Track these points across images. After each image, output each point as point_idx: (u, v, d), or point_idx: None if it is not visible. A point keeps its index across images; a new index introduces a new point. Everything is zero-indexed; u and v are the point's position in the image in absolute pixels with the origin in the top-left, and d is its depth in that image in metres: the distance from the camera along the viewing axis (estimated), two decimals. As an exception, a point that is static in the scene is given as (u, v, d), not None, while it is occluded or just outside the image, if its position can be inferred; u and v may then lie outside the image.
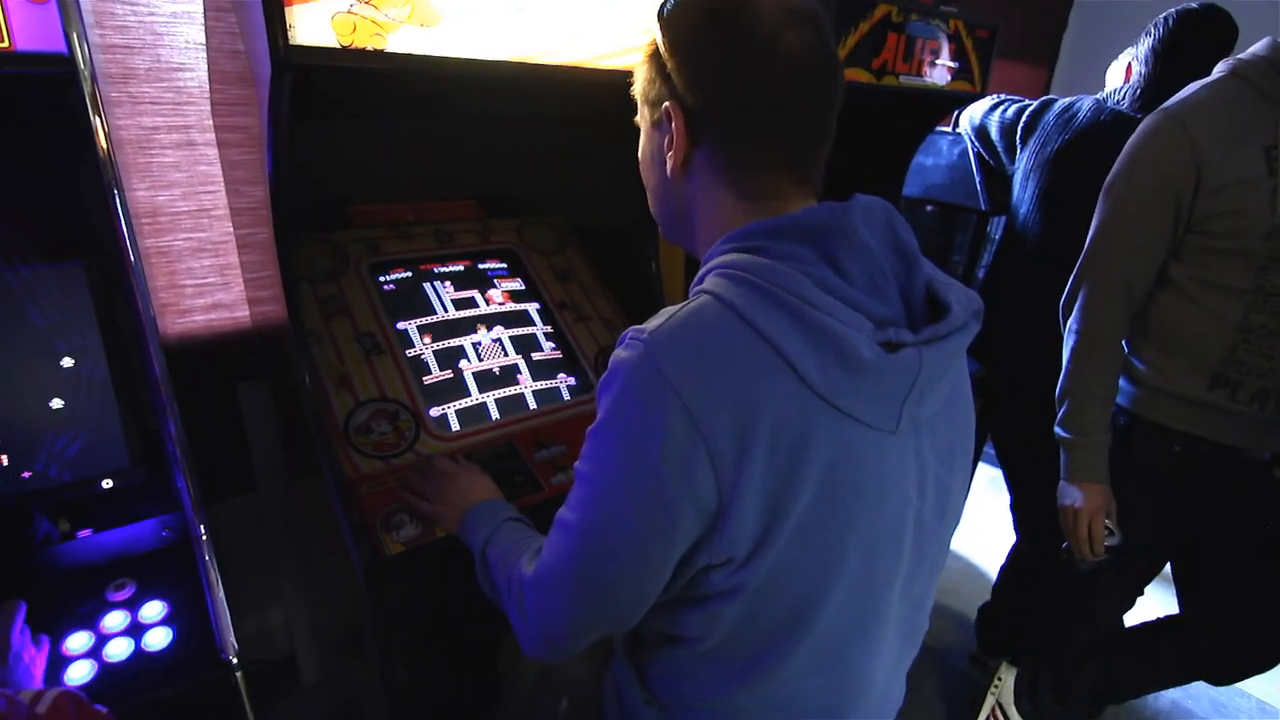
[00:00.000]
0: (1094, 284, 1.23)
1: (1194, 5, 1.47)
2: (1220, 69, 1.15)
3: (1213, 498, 1.26)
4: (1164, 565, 1.41)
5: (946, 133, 2.11)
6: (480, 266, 1.38)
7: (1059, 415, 1.29)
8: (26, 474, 0.90)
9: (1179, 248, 1.17)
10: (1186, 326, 1.19)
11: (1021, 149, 1.74)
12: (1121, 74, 1.98)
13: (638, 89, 0.72)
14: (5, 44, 0.70)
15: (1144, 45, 1.54)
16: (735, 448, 0.56)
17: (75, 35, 0.71)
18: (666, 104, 0.66)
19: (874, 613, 0.66)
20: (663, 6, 0.67)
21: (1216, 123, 1.10)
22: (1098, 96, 1.63)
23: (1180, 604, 1.46)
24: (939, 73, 1.55)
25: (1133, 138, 1.18)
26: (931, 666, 2.07)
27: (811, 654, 0.64)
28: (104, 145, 0.75)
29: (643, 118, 0.73)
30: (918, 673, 0.80)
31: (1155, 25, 1.52)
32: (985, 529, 2.72)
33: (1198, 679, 1.43)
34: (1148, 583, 1.43)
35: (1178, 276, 1.17)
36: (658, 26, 0.67)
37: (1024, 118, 1.73)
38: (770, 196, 0.66)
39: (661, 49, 0.66)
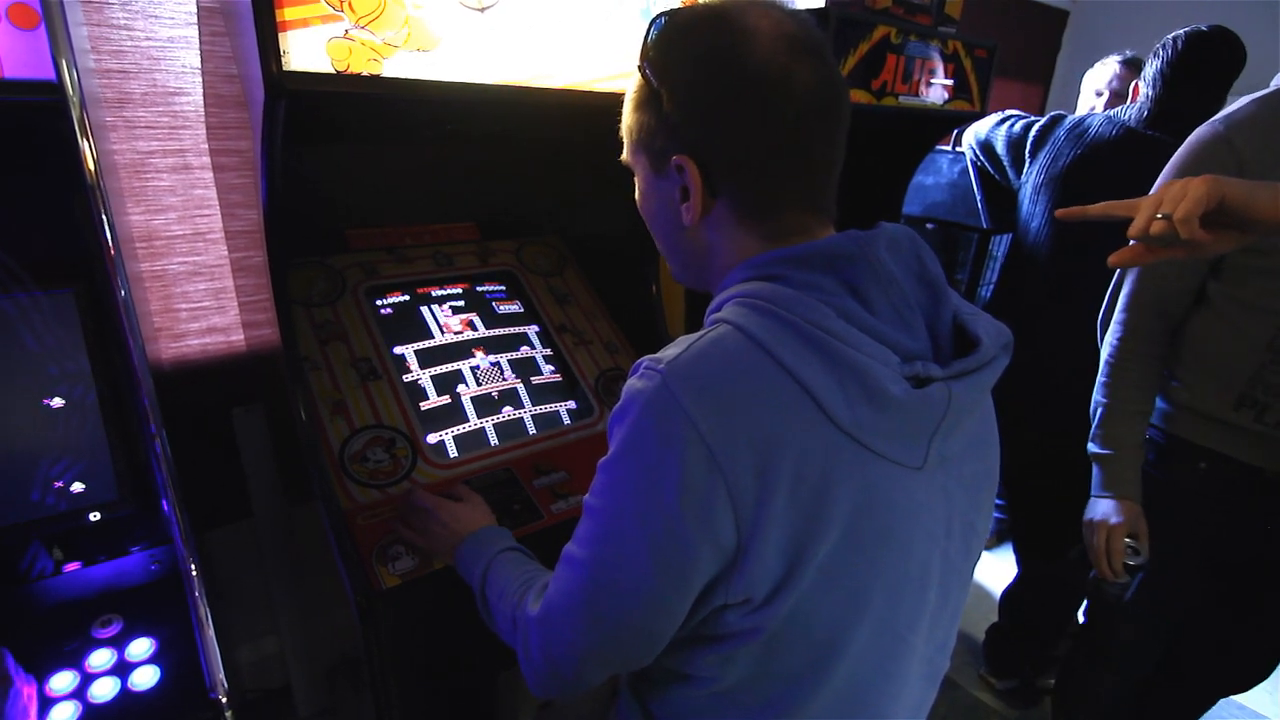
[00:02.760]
0: (1130, 297, 1.21)
1: (1203, 28, 1.47)
2: (1276, 83, 1.13)
3: (1235, 518, 1.24)
4: (1198, 597, 1.35)
5: (946, 151, 2.11)
6: (479, 289, 1.37)
7: (1092, 428, 1.26)
8: (13, 505, 0.88)
9: (1219, 264, 1.15)
10: (1216, 345, 1.17)
11: (1030, 163, 1.73)
12: (1100, 79, 2.02)
13: (631, 135, 0.69)
14: (-6, 71, 0.69)
15: (1152, 66, 1.53)
16: (756, 485, 0.53)
17: (64, 62, 0.70)
18: (677, 158, 0.63)
19: (896, 657, 0.64)
20: (648, 45, 0.64)
21: (1264, 137, 1.07)
22: (1108, 113, 1.63)
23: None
24: (938, 93, 1.55)
25: (1179, 151, 1.16)
26: (941, 690, 2.03)
27: (831, 700, 0.61)
28: (92, 171, 0.74)
29: (639, 164, 0.70)
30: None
31: (1164, 46, 1.51)
32: (991, 549, 2.69)
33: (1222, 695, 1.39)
34: (1177, 614, 1.37)
35: (1214, 295, 1.16)
36: (648, 68, 0.64)
37: (1033, 132, 1.73)
38: (795, 233, 0.63)
39: (662, 97, 0.63)
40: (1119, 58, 2.00)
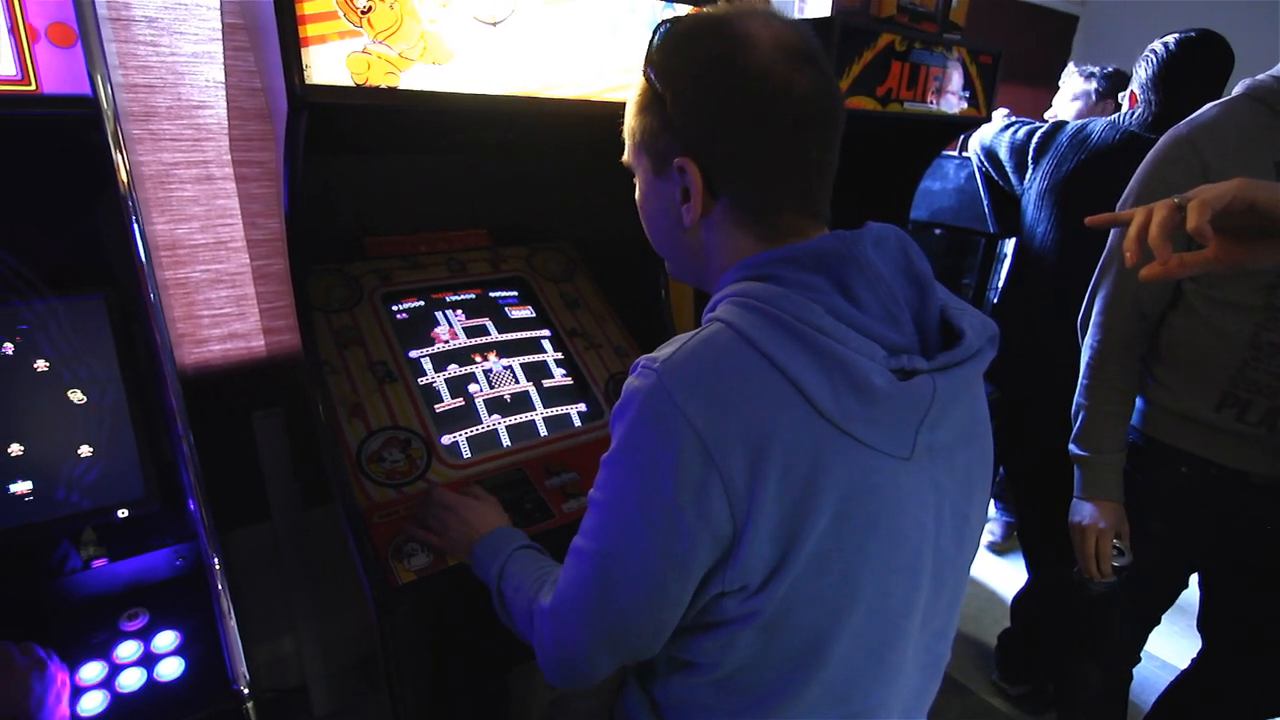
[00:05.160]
0: (1106, 299, 1.23)
1: (1192, 33, 1.49)
2: (1237, 90, 1.16)
3: (1220, 523, 1.25)
4: (1178, 594, 1.38)
5: (953, 157, 2.12)
6: (491, 295, 1.40)
7: (1074, 430, 1.28)
8: (45, 503, 0.91)
9: None
10: (1196, 344, 1.18)
11: (1033, 169, 1.75)
12: (1071, 90, 2.08)
13: (633, 136, 0.71)
14: (32, 87, 0.73)
15: (1143, 72, 1.56)
16: (748, 475, 0.56)
17: (99, 78, 0.73)
18: (679, 160, 0.65)
19: (890, 644, 0.65)
20: (652, 51, 0.66)
21: (1226, 140, 1.10)
22: (1110, 119, 1.65)
23: (1202, 638, 1.43)
24: (943, 99, 1.57)
25: (1148, 155, 1.19)
26: (952, 694, 2.03)
27: (828, 685, 0.63)
28: (125, 182, 0.78)
29: (640, 165, 0.72)
30: (938, 700, 0.78)
31: (1152, 53, 1.54)
32: (1003, 554, 2.68)
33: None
34: (1162, 611, 1.40)
35: (1190, 294, 1.17)
36: (652, 73, 0.66)
37: (1035, 138, 1.75)
38: (790, 234, 0.66)
39: (665, 100, 0.65)
40: (1079, 70, 2.07)
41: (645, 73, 0.67)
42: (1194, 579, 1.40)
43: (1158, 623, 1.42)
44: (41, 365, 0.92)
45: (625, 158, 0.74)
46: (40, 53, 0.72)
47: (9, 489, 0.89)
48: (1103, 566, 1.24)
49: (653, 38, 0.67)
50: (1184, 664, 1.48)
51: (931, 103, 1.54)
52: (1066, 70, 2.17)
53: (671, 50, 0.65)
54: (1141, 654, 1.48)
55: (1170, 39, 1.52)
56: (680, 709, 0.70)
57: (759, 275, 0.63)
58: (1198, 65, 1.49)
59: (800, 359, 0.57)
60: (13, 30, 0.71)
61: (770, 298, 0.60)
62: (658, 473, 0.57)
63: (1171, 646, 2.05)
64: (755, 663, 0.63)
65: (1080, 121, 1.70)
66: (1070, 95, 2.12)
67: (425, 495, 1.02)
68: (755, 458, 0.56)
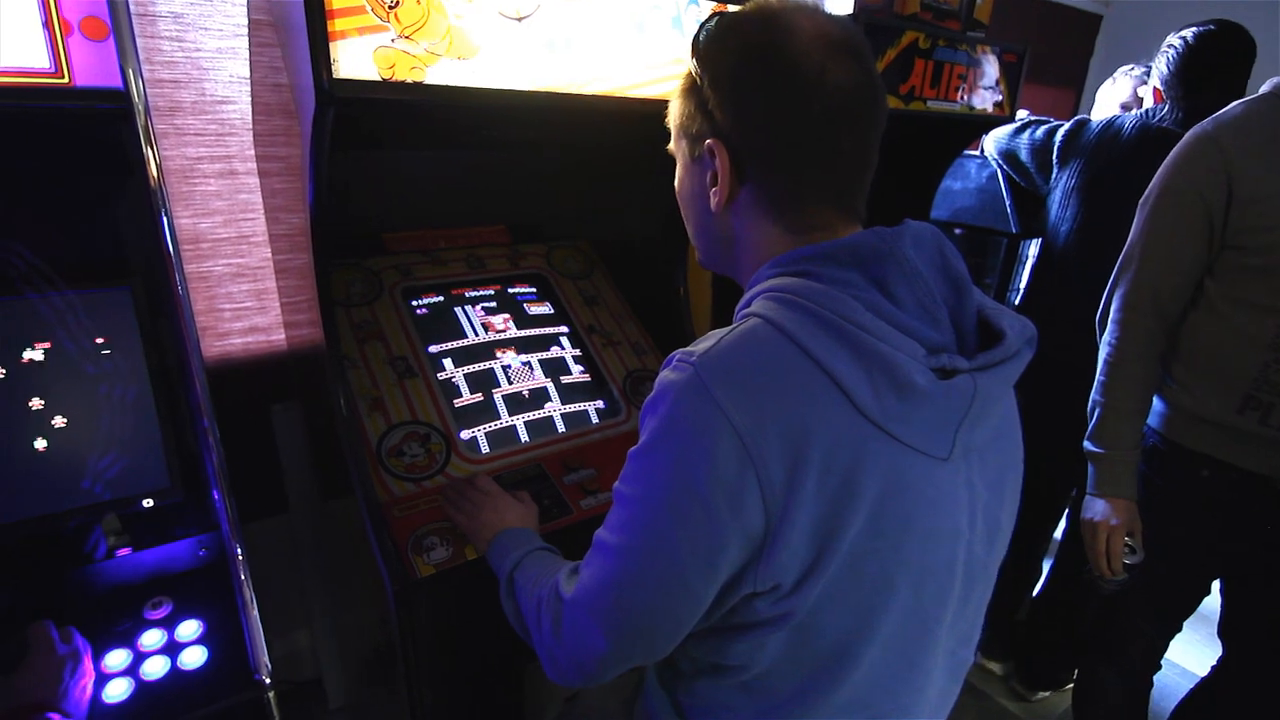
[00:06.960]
0: (1125, 296, 1.22)
1: (1211, 25, 1.47)
2: (1264, 89, 1.15)
3: (1242, 528, 1.23)
4: (1200, 600, 1.36)
5: (975, 156, 2.10)
6: (510, 291, 1.40)
7: (1089, 427, 1.27)
8: (71, 492, 0.92)
9: (1214, 265, 1.16)
10: (1217, 345, 1.17)
11: (1060, 169, 1.72)
12: (1123, 92, 2.03)
13: (674, 121, 0.72)
14: (65, 80, 0.74)
15: (1165, 68, 1.54)
16: (785, 473, 0.55)
17: (131, 71, 0.74)
18: (709, 141, 0.66)
19: (921, 647, 0.65)
20: (698, 39, 0.67)
21: (1250, 137, 1.10)
22: (1138, 114, 1.62)
23: (1223, 645, 1.41)
24: (972, 97, 1.56)
25: (1173, 151, 1.18)
26: (968, 698, 2.02)
27: (857, 689, 0.62)
28: (155, 176, 0.78)
29: (679, 150, 0.72)
30: (955, 704, 0.77)
31: (1171, 48, 1.52)
32: (1021, 558, 2.66)
33: None
34: (1183, 617, 1.39)
35: (1212, 295, 1.16)
36: (695, 60, 0.67)
37: (1059, 137, 1.72)
38: (818, 228, 0.65)
39: (703, 85, 0.65)
40: (1142, 70, 2.01)
41: (691, 59, 0.68)
42: (1215, 585, 1.38)
43: (1179, 629, 1.41)
44: (68, 357, 0.93)
45: (670, 145, 0.75)
46: (73, 46, 0.73)
47: (38, 478, 0.90)
48: (1114, 564, 1.23)
49: (701, 26, 0.68)
50: (1204, 671, 1.46)
51: (956, 101, 1.53)
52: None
53: (714, 37, 0.66)
54: (1162, 661, 1.46)
55: (1188, 33, 1.50)
56: (705, 711, 0.70)
57: (795, 271, 0.62)
58: (1219, 57, 1.48)
59: (841, 356, 0.56)
60: (47, 23, 0.72)
61: (810, 294, 0.59)
62: (691, 467, 0.56)
63: (1192, 654, 2.02)
64: (785, 665, 0.62)
65: (1106, 118, 1.67)
66: (1119, 102, 2.06)
67: (468, 477, 1.04)
68: (794, 455, 0.55)
